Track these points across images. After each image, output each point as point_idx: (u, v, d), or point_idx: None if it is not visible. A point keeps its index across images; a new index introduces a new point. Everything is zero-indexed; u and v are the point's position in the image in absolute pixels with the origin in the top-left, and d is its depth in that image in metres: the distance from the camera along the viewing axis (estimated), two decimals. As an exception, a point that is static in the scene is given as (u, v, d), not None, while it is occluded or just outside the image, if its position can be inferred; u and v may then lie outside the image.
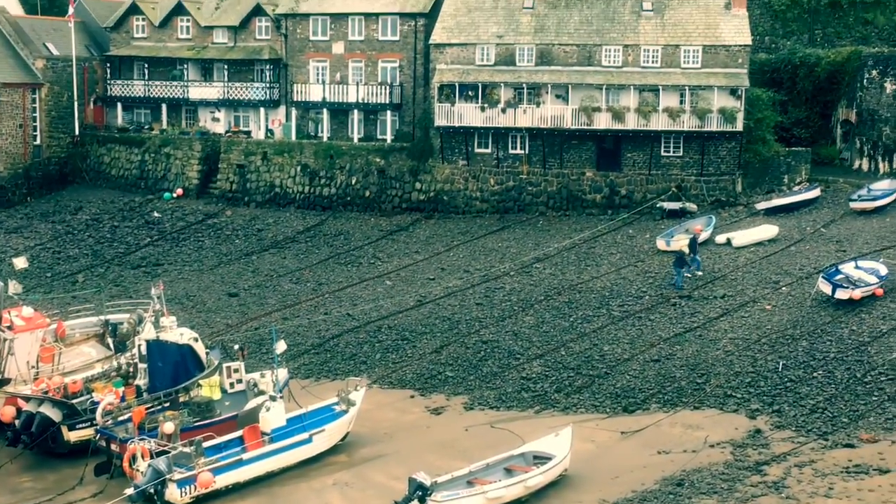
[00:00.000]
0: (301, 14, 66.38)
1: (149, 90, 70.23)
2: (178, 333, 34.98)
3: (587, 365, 38.97)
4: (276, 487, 31.07)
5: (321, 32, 66.10)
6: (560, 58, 59.55)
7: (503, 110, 58.70)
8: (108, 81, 71.24)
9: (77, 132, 69.87)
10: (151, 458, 29.76)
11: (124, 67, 71.34)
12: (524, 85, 59.09)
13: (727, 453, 31.20)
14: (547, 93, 58.79)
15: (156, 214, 63.01)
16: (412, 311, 46.09)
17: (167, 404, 33.34)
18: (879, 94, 59.78)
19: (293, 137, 66.06)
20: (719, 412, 34.50)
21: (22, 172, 66.86)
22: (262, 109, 67.92)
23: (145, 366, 34.86)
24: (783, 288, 43.35)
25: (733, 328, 40.29)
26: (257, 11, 67.81)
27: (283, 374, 35.65)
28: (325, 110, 65.91)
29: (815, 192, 56.05)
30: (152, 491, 28.96)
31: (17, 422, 33.30)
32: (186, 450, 30.13)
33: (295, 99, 66.49)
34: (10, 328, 35.68)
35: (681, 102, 57.79)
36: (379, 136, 65.41)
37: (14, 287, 37.11)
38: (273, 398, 32.86)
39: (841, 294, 40.05)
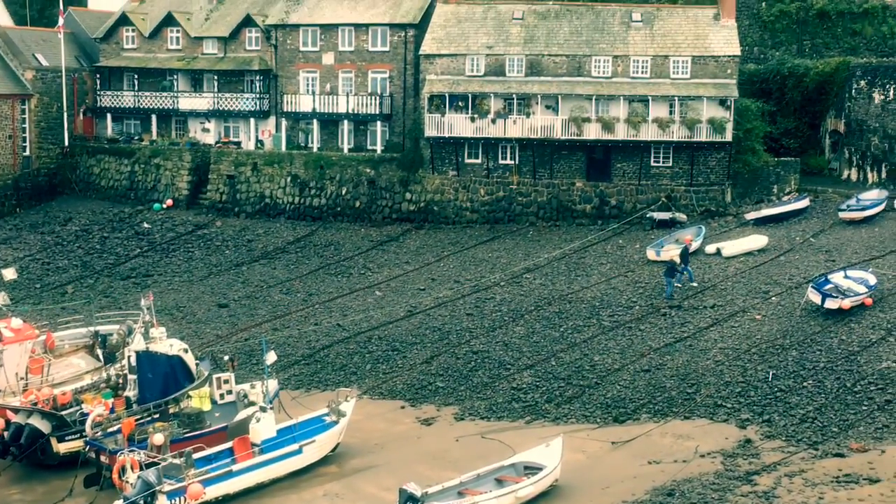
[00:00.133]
0: (291, 25, 66.46)
1: (138, 101, 70.18)
2: (167, 344, 34.90)
3: (578, 375, 38.96)
4: (267, 499, 30.95)
5: (311, 43, 66.17)
6: (550, 68, 59.70)
7: (493, 121, 58.81)
8: (98, 92, 71.18)
9: (66, 143, 69.75)
10: (141, 469, 29.63)
11: (114, 78, 71.28)
12: (514, 95, 59.20)
13: (717, 463, 31.20)
14: (537, 103, 58.91)
15: (145, 225, 62.90)
16: (402, 321, 46.06)
17: (157, 415, 33.23)
18: (868, 104, 60.04)
19: (283, 148, 66.06)
20: (709, 422, 34.51)
21: (11, 183, 66.74)
22: (251, 120, 67.93)
23: (135, 377, 34.74)
24: (773, 298, 43.43)
25: (723, 338, 40.33)
26: (247, 22, 67.86)
27: (273, 384, 35.56)
28: (315, 121, 65.94)
29: (805, 203, 56.24)
30: (142, 503, 28.83)
31: (5, 433, 33.10)
32: (176, 461, 30.01)
33: (285, 109, 66.51)
34: (-2, 339, 35.57)
35: (670, 113, 57.97)
36: (369, 147, 65.46)
37: (3, 298, 37.04)
38: (263, 409, 32.78)
39: (830, 304, 40.12)
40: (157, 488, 28.91)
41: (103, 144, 69.95)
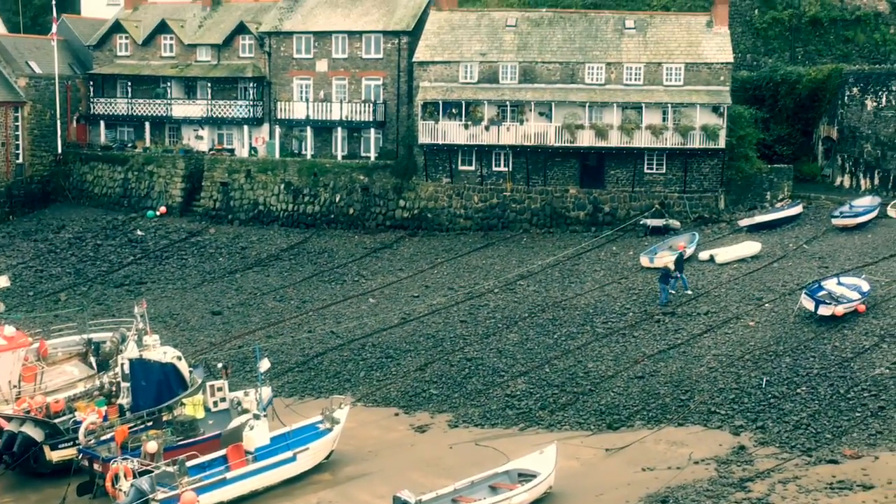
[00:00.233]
0: (285, 32, 66.50)
1: (132, 108, 70.14)
2: (161, 352, 34.91)
3: (571, 382, 38.96)
4: (260, 506, 30.99)
5: (305, 50, 66.20)
6: (543, 75, 59.78)
7: (487, 128, 58.83)
8: (92, 100, 71.13)
9: (60, 150, 69.67)
10: (134, 477, 29.60)
11: (107, 85, 71.23)
12: (507, 102, 59.25)
13: (711, 470, 31.21)
14: (530, 110, 58.95)
15: (139, 233, 62.82)
16: (396, 328, 46.05)
17: (150, 423, 33.20)
18: (860, 111, 60.19)
19: (277, 155, 66.04)
20: (703, 429, 34.53)
21: (4, 191, 66.63)
22: (245, 127, 67.92)
23: (128, 384, 34.74)
24: (766, 304, 43.47)
25: (717, 345, 40.36)
26: (241, 30, 67.90)
27: (266, 392, 35.52)
28: (308, 128, 65.98)
29: (798, 209, 56.34)
30: (135, 511, 28.81)
31: (-2, 441, 33.12)
32: (169, 469, 29.97)
33: (279, 117, 66.52)
34: (-9, 347, 35.53)
35: (663, 120, 58.06)
36: (363, 154, 65.47)
37: (-3, 306, 37.01)
38: (257, 416, 32.74)
39: (823, 310, 40.16)
40: (151, 496, 28.88)
41: (97, 152, 69.87)
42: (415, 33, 63.51)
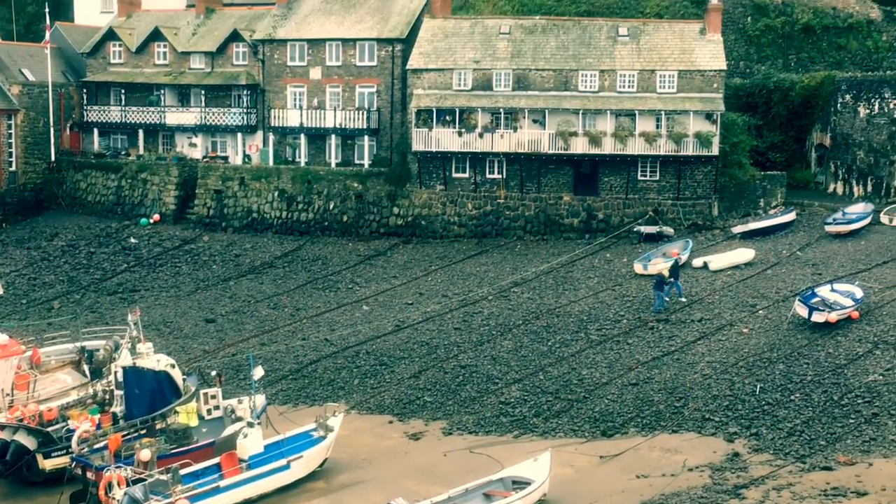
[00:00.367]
0: (278, 40, 66.51)
1: (125, 116, 70.09)
2: (154, 360, 34.81)
3: (565, 389, 38.96)
4: (254, 515, 30.91)
5: (298, 58, 66.22)
6: (537, 83, 59.84)
7: (480, 135, 58.87)
8: (85, 107, 71.08)
9: (53, 158, 69.60)
10: (128, 485, 29.51)
11: (101, 93, 71.20)
12: (501, 110, 59.31)
13: (706, 477, 31.22)
14: (524, 117, 59.01)
15: (132, 240, 62.73)
16: (390, 336, 46.02)
17: (144, 431, 33.11)
18: (853, 118, 60.35)
19: (271, 163, 66.01)
20: (697, 436, 34.55)
21: (-3, 198, 66.58)
22: (239, 135, 67.89)
23: (122, 393, 34.64)
24: (760, 311, 43.53)
25: (711, 351, 40.39)
26: (234, 37, 67.90)
27: (260, 400, 35.47)
28: (302, 135, 65.95)
29: (791, 216, 56.43)
30: (129, 519, 28.73)
31: (-9, 450, 33.00)
32: (163, 477, 29.90)
33: (272, 124, 66.51)
34: (-16, 355, 35.41)
35: (657, 127, 58.13)
36: (356, 161, 65.47)
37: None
38: (251, 424, 32.68)
39: (817, 317, 40.24)
40: (144, 504, 28.81)
41: (90, 159, 69.80)
42: (408, 41, 63.56)
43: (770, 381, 37.13)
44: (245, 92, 67.45)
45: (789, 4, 70.80)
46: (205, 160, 67.93)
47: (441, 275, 54.56)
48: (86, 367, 39.17)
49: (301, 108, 65.80)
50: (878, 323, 40.17)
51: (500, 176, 60.59)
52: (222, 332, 48.40)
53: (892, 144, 57.82)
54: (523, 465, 31.07)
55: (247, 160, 67.31)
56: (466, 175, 61.08)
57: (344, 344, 45.35)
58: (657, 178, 59.26)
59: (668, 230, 57.19)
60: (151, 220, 65.37)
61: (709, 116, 57.49)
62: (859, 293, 42.06)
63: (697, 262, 51.00)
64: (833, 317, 40.10)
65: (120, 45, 70.72)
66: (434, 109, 59.55)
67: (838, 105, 61.61)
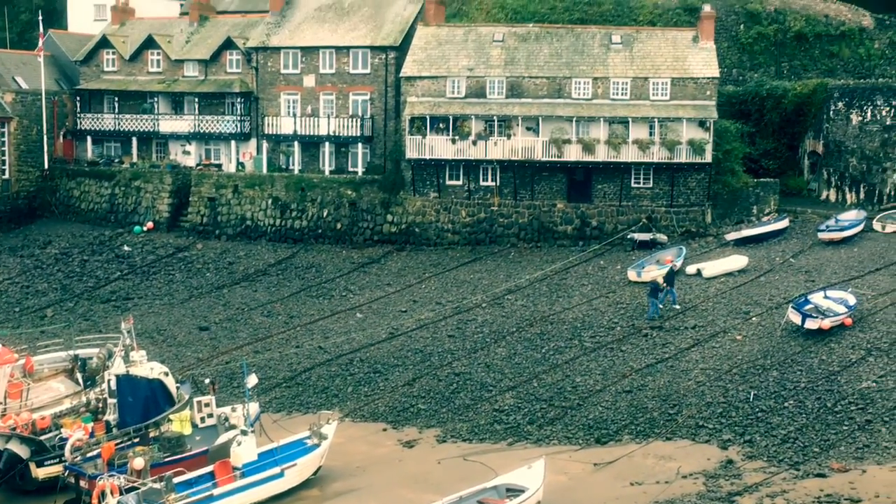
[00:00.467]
0: (272, 47, 66.56)
1: (119, 124, 70.04)
2: (148, 368, 34.75)
3: (559, 396, 38.96)
4: (248, 523, 30.84)
5: (292, 65, 66.25)
6: (530, 90, 59.92)
7: (474, 142, 58.90)
8: (78, 115, 71.03)
9: (46, 166, 69.53)
10: (121, 494, 29.44)
11: (94, 101, 71.16)
12: (495, 117, 59.36)
13: (700, 484, 31.22)
14: (517, 125, 59.06)
15: (126, 248, 62.66)
16: (384, 343, 46.00)
17: (137, 440, 33.05)
18: (846, 125, 60.49)
19: (264, 170, 65.98)
20: (691, 443, 34.56)
21: (-10, 206, 66.50)
22: (233, 142, 67.87)
23: (115, 401, 34.58)
24: (753, 318, 43.57)
25: (704, 358, 40.42)
26: (228, 45, 67.92)
27: (254, 408, 35.44)
28: (296, 143, 65.97)
29: (784, 223, 56.53)
30: (122, 528, 28.67)
31: (-16, 459, 32.91)
32: (156, 486, 29.83)
33: (266, 132, 66.50)
34: (-23, 364, 35.34)
35: (650, 134, 58.22)
36: (350, 169, 65.45)
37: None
38: (244, 432, 32.63)
39: (810, 324, 40.29)
40: (138, 513, 28.75)
41: (83, 167, 69.73)
42: (402, 48, 63.62)
43: (764, 388, 37.16)
44: (239, 99, 67.47)
45: (782, 12, 71.01)
46: (198, 168, 67.89)
47: (435, 282, 54.56)
48: (79, 376, 39.08)
49: (295, 115, 65.82)
50: (872, 330, 40.23)
51: (493, 183, 60.63)
52: (216, 340, 48.34)
53: (884, 152, 57.99)
54: (517, 473, 31.04)
55: (240, 168, 67.27)
56: (460, 182, 61.11)
57: (338, 351, 45.32)
58: (650, 185, 59.34)
59: (662, 237, 57.27)
60: (145, 228, 65.31)
61: (702, 124, 57.60)
62: (852, 300, 42.13)
63: (691, 269, 51.05)
64: (826, 324, 40.15)
65: (113, 53, 70.69)
66: (428, 117, 59.60)
67: (831, 112, 61.78)
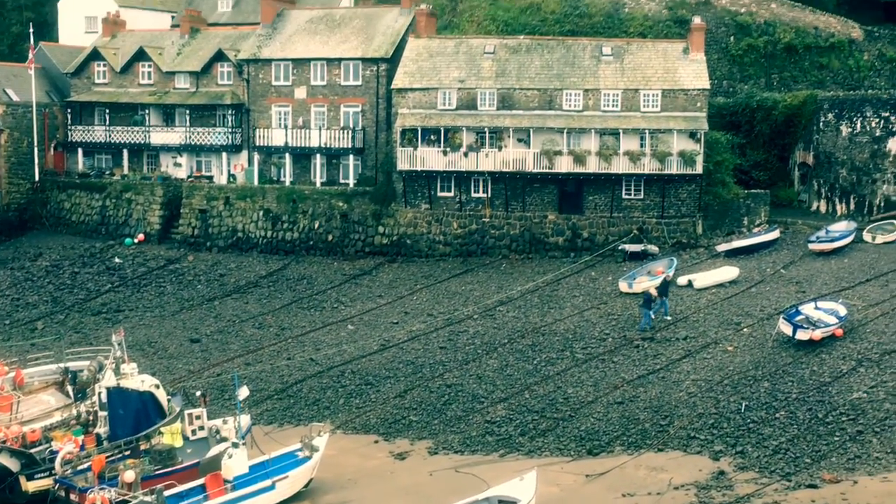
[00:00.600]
0: (263, 59, 66.59)
1: (110, 136, 70.00)
2: (139, 380, 34.69)
3: (551, 408, 38.94)
4: (239, 536, 30.74)
5: (283, 77, 66.29)
6: (521, 102, 60.02)
7: (465, 154, 58.96)
8: (69, 127, 70.97)
9: (37, 178, 69.45)
10: (112, 507, 29.37)
11: (85, 113, 71.11)
12: (486, 129, 59.43)
13: (691, 495, 31.22)
14: (509, 137, 59.14)
15: (117, 260, 62.57)
16: (375, 355, 45.95)
17: (128, 452, 32.93)
18: (836, 136, 60.70)
19: (255, 182, 65.96)
20: (683, 454, 34.56)
21: (-19, 219, 66.34)
22: (224, 154, 67.85)
23: (106, 413, 34.47)
24: (745, 329, 43.63)
25: (696, 370, 40.45)
26: (219, 57, 67.96)
27: (245, 420, 35.38)
28: (287, 155, 65.98)
29: (775, 234, 56.65)
30: (112, 541, 28.56)
31: (-26, 472, 32.76)
32: (147, 499, 29.73)
33: (257, 143, 66.48)
34: (-33, 377, 35.23)
35: (641, 146, 58.33)
36: (341, 181, 65.46)
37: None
38: (235, 445, 32.56)
39: (801, 335, 40.34)
40: (128, 526, 28.65)
41: (74, 179, 69.67)
42: (393, 60, 63.70)
43: (755, 398, 37.19)
44: (230, 111, 67.48)
45: (771, 24, 71.28)
46: (190, 180, 67.85)
47: (426, 294, 54.55)
48: (69, 388, 38.97)
49: (286, 127, 65.84)
50: (862, 340, 40.29)
51: (485, 195, 60.69)
52: (207, 352, 48.25)
53: (874, 163, 58.19)
54: (509, 485, 30.99)
55: (232, 180, 67.25)
56: (451, 194, 61.16)
57: (329, 363, 45.26)
58: (641, 196, 59.43)
59: (653, 248, 57.36)
60: (136, 240, 65.23)
61: (692, 135, 57.74)
62: (843, 311, 42.20)
63: (682, 280, 51.10)
64: (817, 334, 40.21)
65: (104, 65, 70.69)
66: (419, 129, 59.66)
67: (821, 124, 62.00)
